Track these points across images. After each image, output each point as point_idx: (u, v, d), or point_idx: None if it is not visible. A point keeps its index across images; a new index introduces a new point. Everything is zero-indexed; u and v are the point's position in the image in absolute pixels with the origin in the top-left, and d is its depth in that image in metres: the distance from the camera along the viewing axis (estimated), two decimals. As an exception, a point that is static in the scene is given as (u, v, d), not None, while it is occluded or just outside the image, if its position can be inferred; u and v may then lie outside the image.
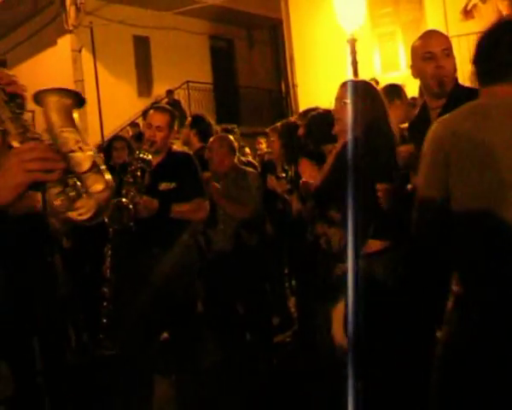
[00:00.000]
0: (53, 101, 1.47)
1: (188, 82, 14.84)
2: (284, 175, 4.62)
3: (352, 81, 3.41)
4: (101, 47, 13.33)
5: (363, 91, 2.92)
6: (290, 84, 14.05)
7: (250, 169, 4.75)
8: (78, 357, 4.49)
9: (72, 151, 1.42)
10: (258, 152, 8.57)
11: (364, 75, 7.37)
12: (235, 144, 4.57)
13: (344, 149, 2.82)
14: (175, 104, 14.06)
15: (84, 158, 1.44)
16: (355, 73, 8.02)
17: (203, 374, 3.74)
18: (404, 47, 12.21)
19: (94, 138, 11.70)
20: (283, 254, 5.39)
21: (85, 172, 1.43)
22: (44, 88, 1.49)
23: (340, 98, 2.98)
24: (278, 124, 4.71)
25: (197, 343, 3.82)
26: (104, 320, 3.58)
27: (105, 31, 13.49)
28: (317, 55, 12.60)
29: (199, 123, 5.05)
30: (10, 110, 1.42)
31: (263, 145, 8.46)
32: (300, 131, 3.92)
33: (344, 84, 2.99)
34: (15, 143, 1.39)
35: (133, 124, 12.64)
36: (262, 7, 15.97)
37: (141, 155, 3.56)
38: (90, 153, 1.45)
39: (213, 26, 16.84)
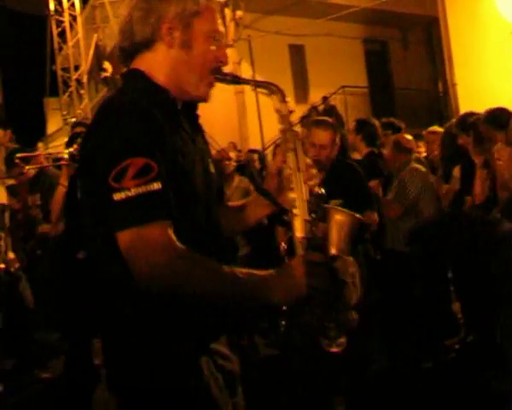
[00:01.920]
0: (346, 222, 1.65)
1: (343, 87, 14.92)
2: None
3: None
4: (259, 58, 13.91)
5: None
6: (449, 84, 13.58)
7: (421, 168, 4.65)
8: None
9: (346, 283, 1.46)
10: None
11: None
12: (412, 144, 4.47)
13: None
14: (331, 110, 14.24)
15: (355, 291, 1.47)
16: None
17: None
18: None
19: (254, 146, 12.26)
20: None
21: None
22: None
23: None
24: (437, 128, 4.61)
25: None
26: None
27: (262, 42, 14.04)
28: (477, 51, 12.06)
29: (364, 127, 5.00)
30: None
31: (421, 149, 8.32)
32: (463, 140, 3.85)
33: None
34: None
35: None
36: (416, 6, 15.63)
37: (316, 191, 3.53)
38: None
39: (367, 30, 16.79)
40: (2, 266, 4.41)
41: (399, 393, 3.88)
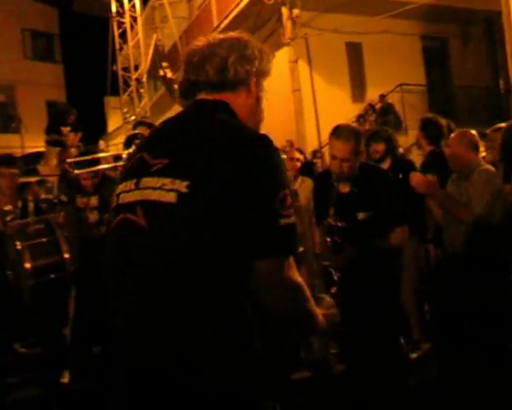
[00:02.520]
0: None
1: (401, 85, 14.75)
2: None
3: None
4: (316, 56, 13.93)
5: None
6: (511, 81, 13.28)
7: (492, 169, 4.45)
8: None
9: None
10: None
11: None
12: (477, 140, 4.20)
13: None
14: (388, 108, 14.15)
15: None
16: None
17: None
18: None
19: (312, 144, 12.31)
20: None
21: None
22: None
23: None
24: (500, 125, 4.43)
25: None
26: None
27: (319, 40, 14.05)
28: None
29: (429, 125, 5.02)
30: None
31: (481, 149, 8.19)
32: None
33: None
34: None
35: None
36: (476, 0, 15.32)
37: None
38: None
39: (425, 26, 16.52)
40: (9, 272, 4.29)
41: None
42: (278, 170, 1.53)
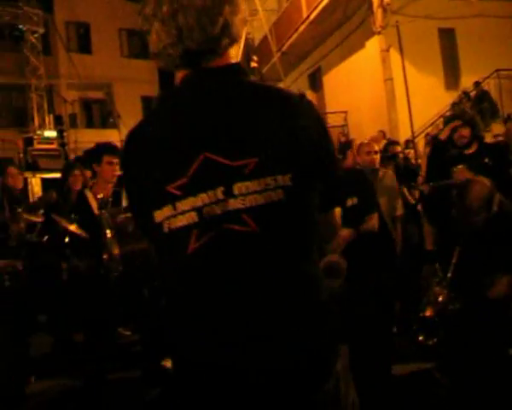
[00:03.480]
0: None
1: (497, 70, 14.19)
2: None
3: None
4: (408, 44, 13.67)
5: None
6: None
7: None
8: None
9: None
10: None
11: None
12: None
13: None
14: (483, 96, 13.72)
15: None
16: None
17: None
18: None
19: (404, 134, 12.17)
20: None
21: None
22: None
23: None
24: None
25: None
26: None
27: (411, 28, 13.79)
28: None
29: None
30: None
31: None
32: None
33: None
34: None
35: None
36: None
37: None
38: None
39: (522, 7, 15.86)
40: (106, 256, 4.46)
41: None
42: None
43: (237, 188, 1.39)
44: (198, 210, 1.41)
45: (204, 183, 1.40)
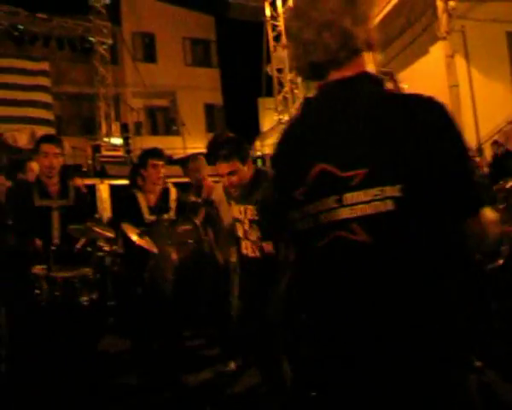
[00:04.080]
0: None
1: None
2: None
3: None
4: (474, 49, 13.39)
5: None
6: None
7: None
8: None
9: None
10: None
11: None
12: None
13: None
14: (554, 100, 13.24)
15: None
16: None
17: None
18: None
19: (470, 141, 11.92)
20: None
21: None
22: None
23: None
24: None
25: None
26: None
27: (477, 32, 13.48)
28: None
29: None
30: None
31: None
32: None
33: None
34: None
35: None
36: None
37: None
38: None
39: None
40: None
41: None
42: (454, 121, 1.52)
43: (347, 198, 1.48)
44: (314, 216, 1.54)
45: (320, 191, 1.53)
